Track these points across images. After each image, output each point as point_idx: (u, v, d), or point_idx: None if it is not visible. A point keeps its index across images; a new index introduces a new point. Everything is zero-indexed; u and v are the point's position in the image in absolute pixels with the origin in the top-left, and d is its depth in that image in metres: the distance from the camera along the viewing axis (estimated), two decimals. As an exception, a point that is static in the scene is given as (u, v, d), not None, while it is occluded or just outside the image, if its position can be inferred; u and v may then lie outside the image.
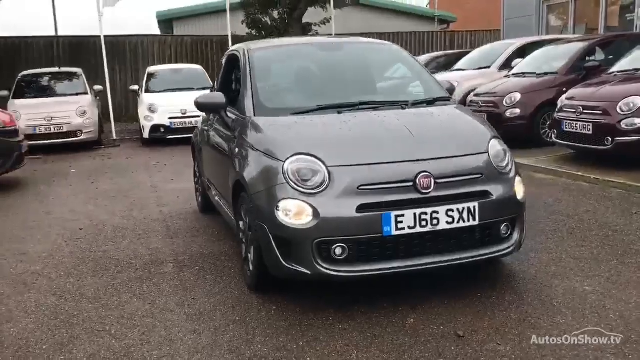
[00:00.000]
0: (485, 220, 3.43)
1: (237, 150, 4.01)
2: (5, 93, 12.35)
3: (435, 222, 3.30)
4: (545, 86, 9.19)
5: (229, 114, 4.44)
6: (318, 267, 3.26)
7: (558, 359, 2.89)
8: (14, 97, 12.16)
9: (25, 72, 13.22)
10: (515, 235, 3.65)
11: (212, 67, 16.81)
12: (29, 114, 11.39)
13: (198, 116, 11.89)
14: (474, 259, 3.49)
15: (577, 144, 7.43)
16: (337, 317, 3.40)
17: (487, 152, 3.66)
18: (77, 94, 12.39)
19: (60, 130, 11.48)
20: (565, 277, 3.86)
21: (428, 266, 3.39)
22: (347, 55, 4.93)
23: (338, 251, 3.26)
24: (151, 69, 13.98)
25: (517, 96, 9.15)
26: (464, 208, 3.35)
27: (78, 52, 17.20)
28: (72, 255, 4.84)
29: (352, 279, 3.37)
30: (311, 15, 17.40)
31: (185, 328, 3.36)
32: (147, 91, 12.77)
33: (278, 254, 3.37)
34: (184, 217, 5.95)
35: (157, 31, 25.67)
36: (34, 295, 3.96)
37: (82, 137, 11.61)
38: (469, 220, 3.36)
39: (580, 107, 7.23)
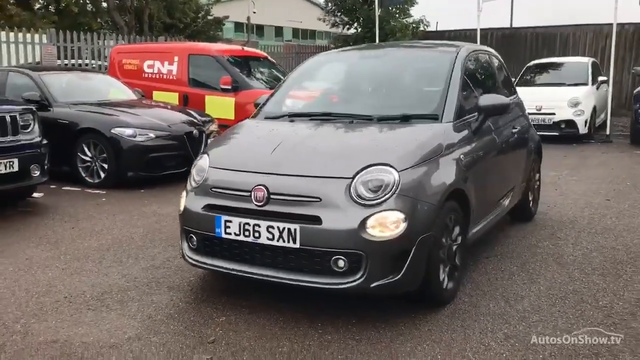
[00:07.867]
0: (307, 246, 3.32)
1: None
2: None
3: (257, 234, 3.43)
4: None
5: None
6: (183, 251, 3.86)
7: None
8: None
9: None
10: (359, 275, 3.29)
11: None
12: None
13: (553, 113, 11.31)
14: (295, 282, 3.42)
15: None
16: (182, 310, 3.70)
17: (352, 177, 3.39)
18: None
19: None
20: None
21: (253, 276, 3.52)
22: (384, 65, 4.97)
23: (193, 240, 3.78)
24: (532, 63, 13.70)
25: None
26: (284, 228, 3.35)
27: (508, 43, 17.65)
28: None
29: (199, 267, 3.83)
30: None
31: (81, 282, 4.12)
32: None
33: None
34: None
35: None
36: (86, 242, 5.04)
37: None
38: (289, 242, 3.35)
39: None
